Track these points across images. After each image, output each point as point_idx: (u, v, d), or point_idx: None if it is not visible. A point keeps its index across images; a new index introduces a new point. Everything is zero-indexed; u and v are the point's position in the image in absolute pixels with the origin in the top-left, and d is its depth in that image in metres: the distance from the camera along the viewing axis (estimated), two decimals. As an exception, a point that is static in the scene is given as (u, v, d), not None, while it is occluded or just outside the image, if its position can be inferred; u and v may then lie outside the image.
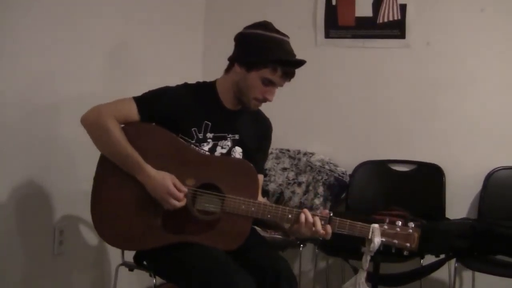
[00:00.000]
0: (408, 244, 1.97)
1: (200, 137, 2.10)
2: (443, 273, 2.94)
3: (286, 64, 2.04)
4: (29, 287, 2.48)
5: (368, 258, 1.98)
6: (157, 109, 2.08)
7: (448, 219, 2.98)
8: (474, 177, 3.02)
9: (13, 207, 2.38)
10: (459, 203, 3.06)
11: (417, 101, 3.17)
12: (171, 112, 2.08)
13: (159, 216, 2.01)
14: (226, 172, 2.04)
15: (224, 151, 2.14)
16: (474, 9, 3.05)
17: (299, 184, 3.18)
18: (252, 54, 2.05)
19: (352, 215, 2.94)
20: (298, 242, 2.87)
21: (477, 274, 2.96)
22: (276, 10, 3.33)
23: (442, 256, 2.71)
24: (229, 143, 2.15)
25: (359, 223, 1.97)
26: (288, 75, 2.06)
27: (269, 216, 2.01)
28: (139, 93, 2.12)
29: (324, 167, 3.16)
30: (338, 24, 3.27)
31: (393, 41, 3.18)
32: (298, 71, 2.08)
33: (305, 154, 3.27)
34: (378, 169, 3.20)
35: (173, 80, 2.19)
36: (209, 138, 2.12)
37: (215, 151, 2.13)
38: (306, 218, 1.97)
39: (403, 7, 3.15)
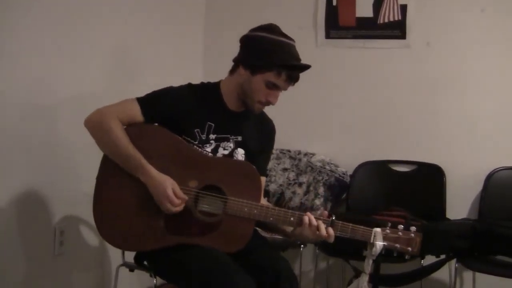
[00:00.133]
0: (410, 248, 1.97)
1: (203, 138, 2.10)
2: (443, 274, 2.94)
3: (291, 68, 2.03)
4: (29, 288, 2.48)
5: (370, 262, 1.98)
6: (161, 109, 2.08)
7: (448, 219, 2.98)
8: (475, 177, 3.02)
9: (13, 208, 2.38)
10: (459, 203, 3.06)
11: (417, 101, 3.17)
12: (174, 113, 2.08)
13: (162, 217, 2.01)
14: (229, 174, 2.04)
15: (226, 152, 2.14)
16: (474, 10, 3.05)
17: (300, 184, 3.18)
18: (257, 57, 2.05)
19: (353, 216, 2.97)
20: (299, 242, 2.87)
21: (477, 274, 2.95)
22: (277, 10, 3.33)
23: (443, 256, 2.71)
24: (231, 144, 2.15)
25: (361, 227, 1.97)
26: (293, 79, 2.06)
27: (271, 219, 2.01)
28: (139, 93, 2.12)
29: (324, 168, 3.16)
30: (338, 25, 3.27)
31: (393, 42, 3.18)
32: (299, 71, 2.08)
33: (305, 154, 3.26)
34: (378, 169, 3.20)
35: (173, 80, 2.19)
36: (212, 139, 2.11)
37: (217, 152, 2.12)
38: (310, 221, 1.97)
39: (403, 8, 3.15)
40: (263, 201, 2.19)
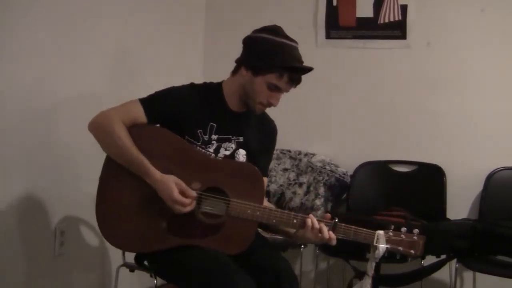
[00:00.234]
0: (412, 251, 1.97)
1: (206, 139, 2.10)
2: (444, 274, 2.94)
3: (293, 70, 2.03)
4: (29, 288, 2.48)
5: (373, 264, 1.98)
6: (163, 110, 2.07)
7: (448, 219, 2.98)
8: (475, 177, 3.02)
9: (14, 208, 2.38)
10: (459, 203, 3.06)
11: (417, 101, 3.17)
12: (176, 113, 2.07)
13: (165, 218, 2.00)
14: (232, 176, 2.04)
15: (227, 153, 2.13)
16: (475, 10, 3.05)
17: (300, 184, 3.18)
18: (258, 58, 2.04)
19: (353, 216, 2.97)
20: (299, 243, 2.87)
21: (478, 274, 2.95)
22: (277, 11, 3.33)
23: (443, 256, 2.71)
24: (233, 145, 2.15)
25: (364, 229, 1.97)
26: (294, 81, 2.05)
27: (274, 221, 2.00)
28: (139, 93, 2.12)
29: (325, 168, 3.16)
30: (339, 25, 3.27)
31: (393, 42, 3.18)
32: (298, 71, 2.07)
33: (306, 154, 3.26)
34: (379, 169, 3.20)
35: (174, 80, 2.18)
36: (214, 140, 2.11)
37: (219, 153, 2.12)
38: (312, 224, 1.96)
39: (403, 8, 3.15)
40: (265, 202, 2.19)
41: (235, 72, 2.13)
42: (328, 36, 3.30)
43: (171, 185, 1.95)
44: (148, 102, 2.07)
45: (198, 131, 2.09)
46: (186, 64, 3.38)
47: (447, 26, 3.12)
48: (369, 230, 1.97)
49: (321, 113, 3.35)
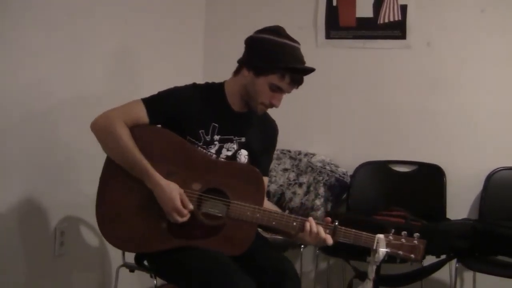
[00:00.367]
0: (413, 256, 1.97)
1: (208, 139, 2.10)
2: (444, 274, 2.94)
3: (295, 71, 2.03)
4: (29, 289, 2.48)
5: (374, 268, 1.98)
6: (166, 110, 2.07)
7: (448, 219, 2.98)
8: (475, 177, 3.02)
9: (14, 209, 2.38)
10: (459, 203, 3.06)
11: (417, 101, 3.17)
12: (179, 113, 2.07)
13: (165, 219, 2.00)
14: (233, 178, 2.04)
15: (229, 153, 2.14)
16: (475, 10, 3.05)
17: (300, 185, 3.18)
18: (260, 59, 2.04)
19: (353, 216, 2.97)
20: (299, 243, 2.87)
21: (478, 274, 2.95)
22: (277, 11, 3.33)
23: (443, 256, 2.71)
24: (235, 145, 2.15)
25: (364, 233, 1.97)
26: (296, 82, 2.05)
27: (274, 223, 2.01)
28: (140, 94, 2.12)
29: (325, 168, 3.16)
30: (338, 25, 3.27)
31: (393, 42, 3.18)
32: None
33: (306, 154, 3.26)
34: (378, 169, 3.20)
35: (173, 81, 2.18)
36: (216, 140, 2.11)
37: (221, 153, 2.12)
38: (311, 228, 1.97)
39: (403, 8, 3.15)
40: (266, 201, 2.19)
41: (237, 72, 2.13)
42: (328, 36, 3.30)
43: (175, 195, 1.96)
44: (151, 103, 2.07)
45: (200, 131, 2.09)
46: (186, 64, 3.38)
47: (447, 26, 3.12)
48: (369, 234, 1.97)
49: (321, 113, 3.35)
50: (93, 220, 2.08)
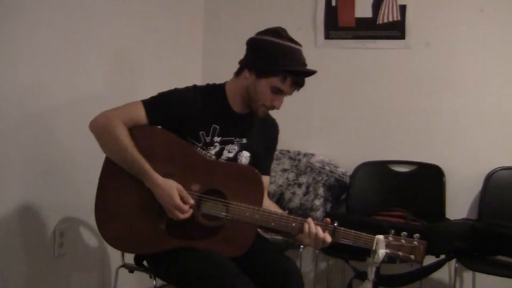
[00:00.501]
0: (413, 257, 1.96)
1: (208, 140, 2.10)
2: (443, 274, 2.95)
3: (296, 74, 2.03)
4: (29, 290, 2.48)
5: (374, 269, 1.98)
6: (166, 111, 2.07)
7: (448, 219, 2.98)
8: (474, 177, 3.02)
9: (13, 210, 2.38)
10: (459, 203, 3.06)
11: (417, 101, 3.17)
12: (179, 115, 2.07)
13: (164, 220, 2.01)
14: (232, 178, 2.04)
15: (231, 155, 2.14)
16: (474, 10, 3.05)
17: (299, 185, 3.18)
18: (262, 61, 2.04)
19: (353, 216, 2.97)
20: (299, 243, 2.87)
21: (477, 274, 2.96)
22: (276, 11, 3.33)
23: (443, 256, 2.71)
24: (236, 147, 2.15)
25: (364, 234, 1.96)
26: (297, 84, 2.05)
27: (273, 224, 2.01)
28: (139, 95, 2.12)
29: (324, 168, 3.16)
30: (338, 25, 3.27)
31: (393, 42, 3.18)
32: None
33: (305, 155, 3.26)
34: (378, 170, 3.20)
35: (173, 82, 2.18)
36: (216, 142, 2.11)
37: (222, 155, 2.12)
38: (309, 230, 1.96)
39: (402, 8, 3.15)
40: (267, 200, 2.19)
41: (238, 73, 2.12)
42: (327, 37, 3.30)
43: (173, 191, 1.96)
44: (150, 104, 2.07)
45: (200, 132, 2.09)
46: (186, 65, 3.38)
47: (447, 26, 3.12)
48: (369, 235, 1.96)
49: (320, 113, 3.35)
50: (92, 221, 2.08)
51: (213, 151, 2.10)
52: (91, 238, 2.76)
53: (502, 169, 2.99)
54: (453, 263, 2.80)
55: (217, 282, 1.89)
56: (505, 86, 3.03)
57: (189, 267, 1.97)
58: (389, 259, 1.97)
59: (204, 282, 1.91)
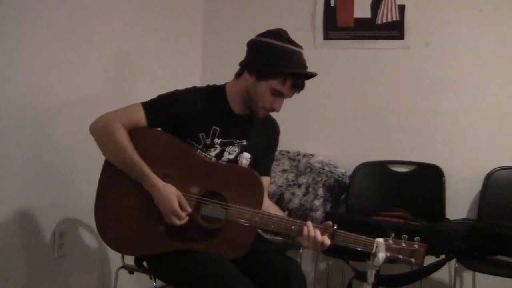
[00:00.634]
0: (413, 260, 1.95)
1: (208, 142, 2.09)
2: (443, 274, 2.95)
3: (296, 76, 2.02)
4: (29, 291, 2.48)
5: (373, 272, 1.97)
6: (166, 113, 2.07)
7: (448, 219, 2.99)
8: (474, 177, 3.03)
9: (13, 211, 2.38)
10: (459, 203, 3.06)
11: (416, 101, 3.18)
12: (179, 117, 2.07)
13: (163, 222, 2.00)
14: (231, 181, 2.03)
15: (231, 157, 2.13)
16: (473, 10, 3.06)
17: (299, 185, 3.18)
18: (262, 63, 2.03)
19: (353, 217, 2.97)
20: (298, 245, 2.87)
21: (477, 274, 2.96)
22: (275, 11, 3.33)
23: (443, 256, 2.71)
24: (236, 149, 2.14)
25: (363, 237, 1.95)
26: (297, 87, 2.05)
27: (272, 227, 2.00)
28: (138, 96, 2.12)
29: (324, 169, 3.16)
30: (337, 26, 3.27)
31: (392, 42, 3.18)
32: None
33: (304, 155, 3.26)
34: (377, 170, 3.20)
35: (172, 83, 2.18)
36: (217, 144, 2.10)
37: (222, 156, 2.12)
38: (308, 233, 1.96)
39: (401, 8, 3.15)
40: (267, 201, 2.19)
41: (238, 75, 2.12)
42: (326, 37, 3.30)
43: (172, 197, 1.96)
44: (150, 106, 2.06)
45: (201, 134, 2.08)
46: (185, 67, 3.37)
47: (446, 26, 3.12)
48: (369, 238, 1.95)
49: (320, 114, 3.35)
50: (92, 222, 2.08)
51: (213, 153, 2.10)
52: (91, 239, 2.76)
53: (501, 169, 2.99)
54: (453, 263, 2.80)
55: (217, 283, 1.88)
56: (504, 86, 3.03)
57: (189, 268, 1.97)
58: (390, 261, 1.96)
59: (204, 282, 1.90)
